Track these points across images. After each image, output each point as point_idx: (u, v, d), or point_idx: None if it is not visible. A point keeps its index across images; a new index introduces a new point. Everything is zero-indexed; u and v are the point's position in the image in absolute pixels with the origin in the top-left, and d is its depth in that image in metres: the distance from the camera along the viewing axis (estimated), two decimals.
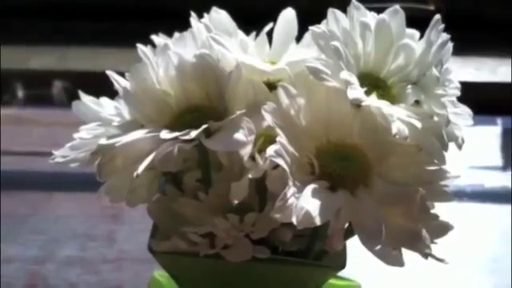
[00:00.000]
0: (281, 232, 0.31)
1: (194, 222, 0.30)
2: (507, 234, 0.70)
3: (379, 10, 0.30)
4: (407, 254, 0.29)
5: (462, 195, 0.74)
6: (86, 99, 0.34)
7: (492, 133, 0.89)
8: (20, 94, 1.07)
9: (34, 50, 1.17)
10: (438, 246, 0.29)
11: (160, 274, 0.44)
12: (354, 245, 0.31)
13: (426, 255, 0.28)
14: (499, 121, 0.90)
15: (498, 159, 0.84)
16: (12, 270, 0.65)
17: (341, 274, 0.40)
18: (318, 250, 0.31)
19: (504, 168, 0.82)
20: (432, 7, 0.98)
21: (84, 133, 0.32)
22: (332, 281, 0.40)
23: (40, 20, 1.24)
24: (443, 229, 0.29)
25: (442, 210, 0.31)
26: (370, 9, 0.30)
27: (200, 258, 0.30)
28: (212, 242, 0.30)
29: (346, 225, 0.28)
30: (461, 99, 0.31)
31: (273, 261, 0.30)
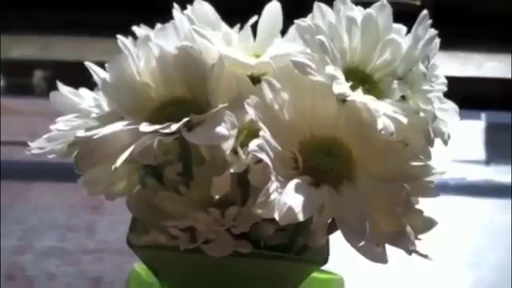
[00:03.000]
0: (263, 227, 0.30)
1: (174, 215, 0.30)
2: (490, 227, 0.70)
3: (366, 5, 0.30)
4: (390, 248, 0.29)
5: (445, 189, 0.74)
6: (65, 90, 0.34)
7: (476, 127, 0.89)
8: (0, 83, 1.05)
9: (16, 39, 1.15)
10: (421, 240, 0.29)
11: (140, 267, 0.43)
12: (336, 237, 0.30)
13: (410, 252, 0.27)
14: (483, 115, 0.90)
15: (481, 153, 0.85)
16: None
17: (324, 266, 0.40)
18: (300, 245, 0.31)
19: (487, 162, 0.82)
20: (418, 2, 0.98)
21: (61, 124, 0.31)
22: (314, 274, 0.40)
23: (23, 9, 1.22)
24: (427, 225, 0.29)
25: (426, 203, 0.31)
26: (357, 3, 0.29)
27: (180, 253, 0.29)
28: (193, 237, 0.29)
29: (329, 220, 0.28)
30: (446, 93, 0.31)
31: (254, 255, 0.30)
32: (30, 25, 1.22)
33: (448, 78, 0.31)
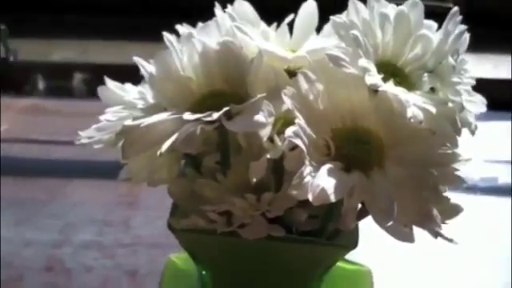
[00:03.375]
0: (296, 213, 0.32)
1: (212, 201, 0.32)
2: None
3: (399, 3, 0.31)
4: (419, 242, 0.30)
5: (475, 189, 0.75)
6: (111, 84, 0.36)
7: (505, 128, 0.90)
8: (41, 85, 1.09)
9: (56, 43, 1.19)
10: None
11: (176, 256, 0.45)
12: (366, 232, 0.32)
13: (435, 234, 0.29)
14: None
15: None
16: (31, 254, 0.66)
17: (352, 258, 0.41)
18: (331, 231, 0.32)
19: None
20: (451, 5, 0.99)
21: (109, 115, 0.33)
22: (343, 265, 0.42)
23: (64, 15, 1.26)
24: (454, 211, 0.30)
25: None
26: (391, 1, 0.31)
27: (217, 236, 0.31)
28: (229, 221, 0.31)
29: (359, 206, 0.30)
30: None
31: (287, 240, 0.31)
32: (69, 30, 1.25)
33: (478, 79, 0.32)
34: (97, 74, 1.18)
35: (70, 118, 0.97)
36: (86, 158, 0.83)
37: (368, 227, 0.30)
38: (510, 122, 0.91)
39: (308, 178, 0.26)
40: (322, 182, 0.25)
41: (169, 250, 0.42)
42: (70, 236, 0.69)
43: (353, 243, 0.32)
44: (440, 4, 0.97)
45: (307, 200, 0.27)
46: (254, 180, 0.28)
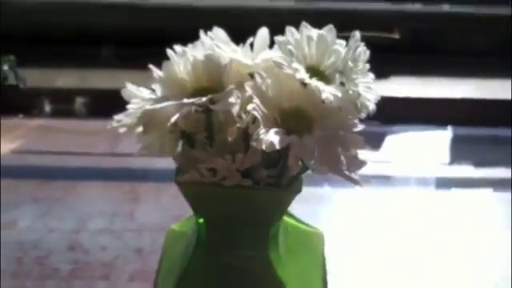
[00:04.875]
0: (258, 170, 0.48)
1: (203, 162, 0.47)
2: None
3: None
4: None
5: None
6: (130, 86, 0.51)
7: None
8: (47, 107, 1.24)
9: (60, 71, 1.34)
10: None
11: (174, 225, 0.60)
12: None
13: (345, 177, 0.44)
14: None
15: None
16: (55, 238, 0.81)
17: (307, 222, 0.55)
18: (284, 184, 0.48)
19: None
20: (396, 36, 1.17)
21: (132, 105, 0.49)
22: (299, 225, 0.57)
23: (65, 47, 1.41)
24: (360, 164, 0.46)
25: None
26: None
27: (207, 185, 0.46)
28: (215, 174, 0.47)
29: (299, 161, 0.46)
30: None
31: (253, 187, 0.47)
32: (69, 60, 1.41)
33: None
34: (94, 98, 1.36)
35: (73, 135, 1.13)
36: (91, 165, 0.98)
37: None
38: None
39: (262, 136, 0.42)
40: (270, 137, 0.41)
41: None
42: (85, 224, 0.84)
43: (298, 190, 0.48)
44: (386, 35, 1.14)
45: (267, 162, 0.43)
46: (230, 139, 0.44)
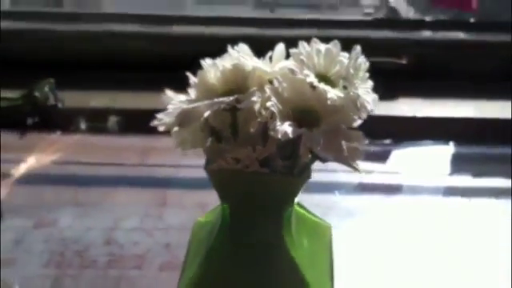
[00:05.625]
0: (275, 160, 0.57)
1: (229, 153, 0.57)
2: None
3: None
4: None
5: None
6: (169, 92, 0.61)
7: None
8: (82, 125, 1.35)
9: (93, 93, 1.46)
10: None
11: (200, 217, 0.68)
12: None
13: (348, 165, 0.54)
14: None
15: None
16: (92, 235, 0.91)
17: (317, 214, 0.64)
18: (296, 173, 0.57)
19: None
20: (404, 61, 1.27)
21: (171, 106, 0.58)
22: (310, 217, 0.65)
23: (97, 72, 1.53)
24: (359, 154, 0.55)
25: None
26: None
27: (231, 172, 0.56)
28: (238, 163, 0.56)
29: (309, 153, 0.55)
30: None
31: (270, 174, 0.56)
32: (102, 83, 1.53)
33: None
34: (125, 117, 1.47)
35: (106, 150, 1.23)
36: (123, 174, 1.08)
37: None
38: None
39: (278, 127, 0.51)
40: (285, 128, 0.51)
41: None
42: (119, 224, 0.94)
43: (308, 177, 0.57)
44: (394, 60, 1.24)
45: (282, 154, 0.53)
46: (252, 131, 0.54)
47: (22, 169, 1.10)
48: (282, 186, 0.58)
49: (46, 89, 1.33)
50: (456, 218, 0.97)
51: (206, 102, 0.55)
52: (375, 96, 0.57)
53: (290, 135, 0.51)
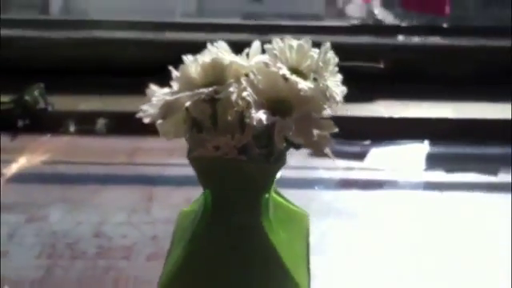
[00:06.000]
0: (252, 147, 0.62)
1: (209, 141, 0.61)
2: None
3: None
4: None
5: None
6: (153, 87, 0.66)
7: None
8: (72, 128, 1.39)
9: (82, 97, 1.50)
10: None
11: (185, 208, 0.73)
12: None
13: (319, 153, 0.58)
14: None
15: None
16: (81, 229, 0.94)
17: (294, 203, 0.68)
18: (272, 160, 0.62)
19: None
20: (381, 65, 1.32)
21: (155, 98, 0.63)
22: (288, 204, 0.70)
23: (86, 77, 1.57)
24: (328, 142, 0.60)
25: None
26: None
27: (212, 159, 0.60)
28: (218, 150, 0.61)
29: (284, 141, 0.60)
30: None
31: (247, 161, 0.61)
32: (91, 87, 1.57)
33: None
34: (113, 119, 1.51)
35: (95, 150, 1.28)
36: (111, 172, 1.13)
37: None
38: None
39: (253, 115, 0.56)
40: (260, 115, 0.56)
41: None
42: (107, 218, 0.98)
43: (282, 164, 0.62)
44: (371, 64, 1.30)
45: (258, 143, 0.58)
46: (230, 119, 0.58)
47: (13, 168, 1.13)
48: (258, 173, 0.62)
49: (36, 93, 1.37)
50: (430, 210, 1.02)
51: (187, 93, 0.59)
52: (344, 88, 0.61)
53: (265, 122, 0.56)
